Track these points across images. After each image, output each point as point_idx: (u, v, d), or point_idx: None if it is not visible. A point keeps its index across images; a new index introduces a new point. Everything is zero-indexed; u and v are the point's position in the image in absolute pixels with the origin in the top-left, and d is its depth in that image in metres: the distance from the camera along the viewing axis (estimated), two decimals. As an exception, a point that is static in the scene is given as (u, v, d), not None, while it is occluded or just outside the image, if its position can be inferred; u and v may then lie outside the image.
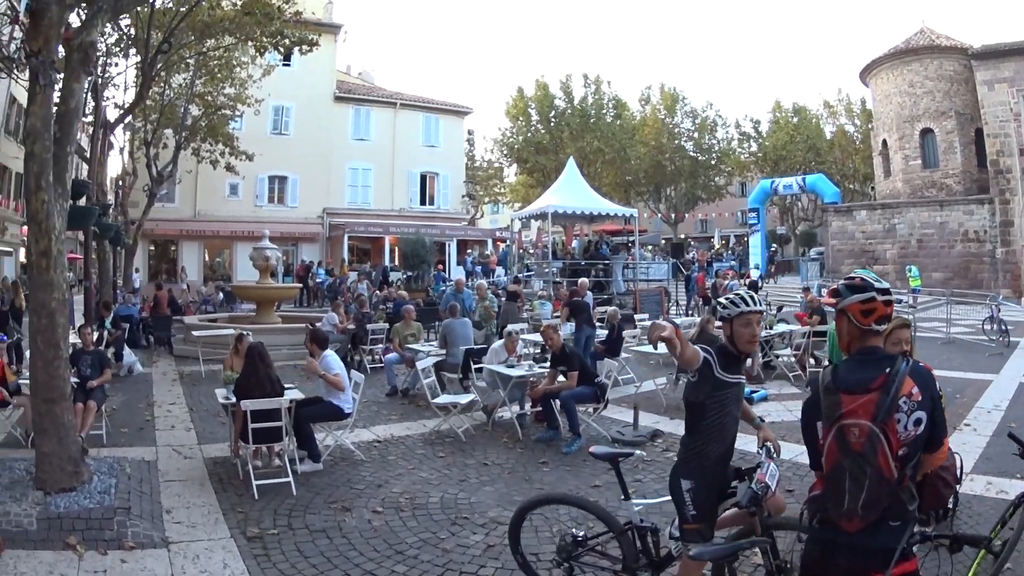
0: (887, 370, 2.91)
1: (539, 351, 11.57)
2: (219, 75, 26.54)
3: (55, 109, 6.94)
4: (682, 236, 64.30)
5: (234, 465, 7.83)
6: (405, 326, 13.65)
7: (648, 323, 18.34)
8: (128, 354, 14.94)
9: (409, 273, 31.80)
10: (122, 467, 7.20)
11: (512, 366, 10.04)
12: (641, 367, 13.87)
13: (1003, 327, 17.94)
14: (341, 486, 7.34)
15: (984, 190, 32.46)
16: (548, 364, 9.93)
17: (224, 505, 6.71)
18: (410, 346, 13.02)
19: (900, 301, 26.99)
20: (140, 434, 9.47)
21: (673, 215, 56.53)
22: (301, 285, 29.78)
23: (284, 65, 33.59)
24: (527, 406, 10.14)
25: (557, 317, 17.95)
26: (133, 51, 22.24)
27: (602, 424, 9.63)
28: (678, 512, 4.18)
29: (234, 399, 7.62)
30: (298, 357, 15.63)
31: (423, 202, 41.96)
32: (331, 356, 8.41)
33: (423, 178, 42.04)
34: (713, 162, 55.37)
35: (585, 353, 12.90)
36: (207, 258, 38.86)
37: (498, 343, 11.00)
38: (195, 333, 16.26)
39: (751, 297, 4.10)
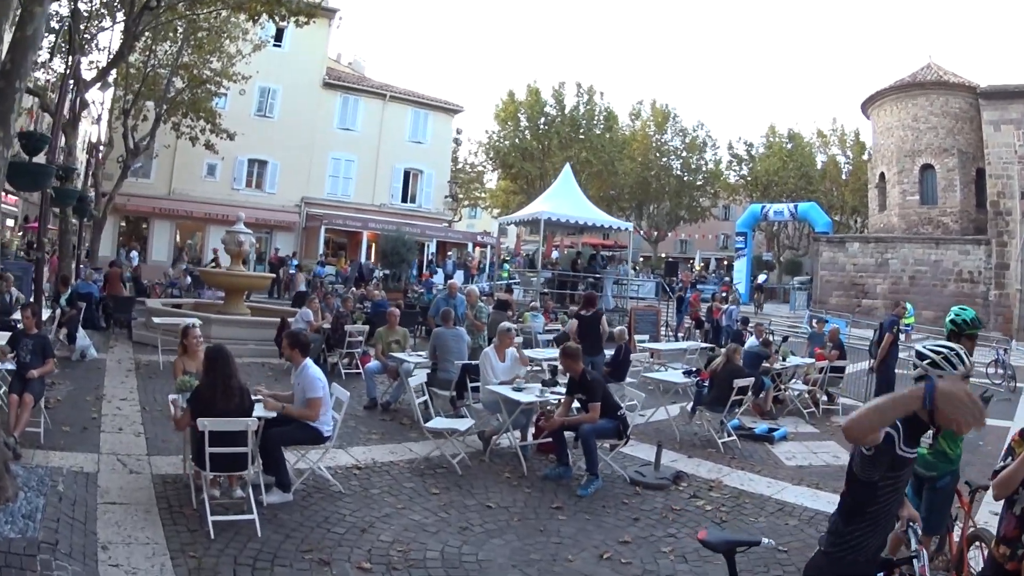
0: None
1: (549, 375, 10.17)
2: (207, 45, 25.44)
3: (8, 35, 5.65)
4: (663, 255, 64.37)
5: (187, 487, 6.44)
6: (389, 331, 12.10)
7: (648, 343, 17.23)
8: (82, 336, 13.38)
9: (387, 271, 30.68)
10: (55, 483, 5.91)
11: (520, 388, 8.69)
12: (641, 392, 12.74)
13: (1009, 371, 17.34)
14: (316, 527, 5.98)
15: (981, 231, 32.00)
16: (553, 387, 8.82)
17: (173, 545, 5.37)
18: (394, 354, 11.48)
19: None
20: (83, 436, 8.07)
21: (655, 233, 56.03)
22: (273, 275, 28.22)
23: (275, 45, 33.40)
24: (530, 435, 8.87)
25: (549, 331, 16.68)
26: (121, 15, 20.79)
27: (617, 461, 8.37)
28: None
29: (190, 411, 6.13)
30: (266, 354, 14.36)
31: (405, 199, 40.84)
32: (313, 368, 6.97)
33: (407, 174, 40.94)
34: (699, 183, 55.10)
35: None
36: (178, 239, 37.27)
37: (489, 348, 9.56)
38: (155, 320, 14.59)
39: (965, 355, 3.26)
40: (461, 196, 50.42)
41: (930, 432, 4.89)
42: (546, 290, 24.11)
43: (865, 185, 46.41)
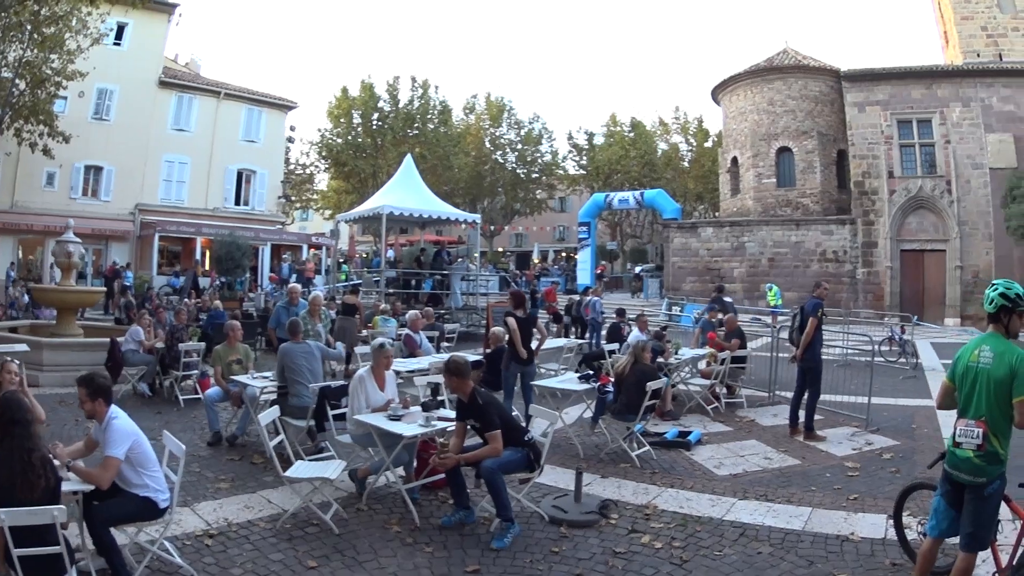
0: None
1: (429, 395, 8.50)
2: (48, 41, 23.95)
3: None
4: (499, 249, 64.80)
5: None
6: (228, 349, 10.20)
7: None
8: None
9: (222, 279, 29.25)
10: None
11: (397, 416, 7.06)
12: (546, 408, 11.48)
13: (908, 348, 17.35)
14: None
15: (843, 211, 32.80)
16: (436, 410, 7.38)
17: None
18: (236, 377, 9.64)
19: (758, 320, 26.42)
20: None
21: (492, 227, 55.53)
22: (106, 289, 25.78)
23: (115, 44, 32.38)
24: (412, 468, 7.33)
25: (400, 333, 14.87)
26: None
27: (526, 493, 6.89)
28: None
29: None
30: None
31: (238, 202, 39.00)
32: (122, 420, 5.13)
33: (240, 175, 39.10)
34: (535, 175, 55.36)
35: (527, 395, 10.13)
36: (20, 255, 33.92)
37: (364, 371, 7.77)
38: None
39: None
40: (293, 198, 48.76)
41: (979, 431, 4.37)
42: (391, 290, 22.62)
43: (709, 172, 47.84)
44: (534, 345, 10.60)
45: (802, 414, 10.05)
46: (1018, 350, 4.38)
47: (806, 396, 10.08)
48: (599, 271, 44.61)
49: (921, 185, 30.19)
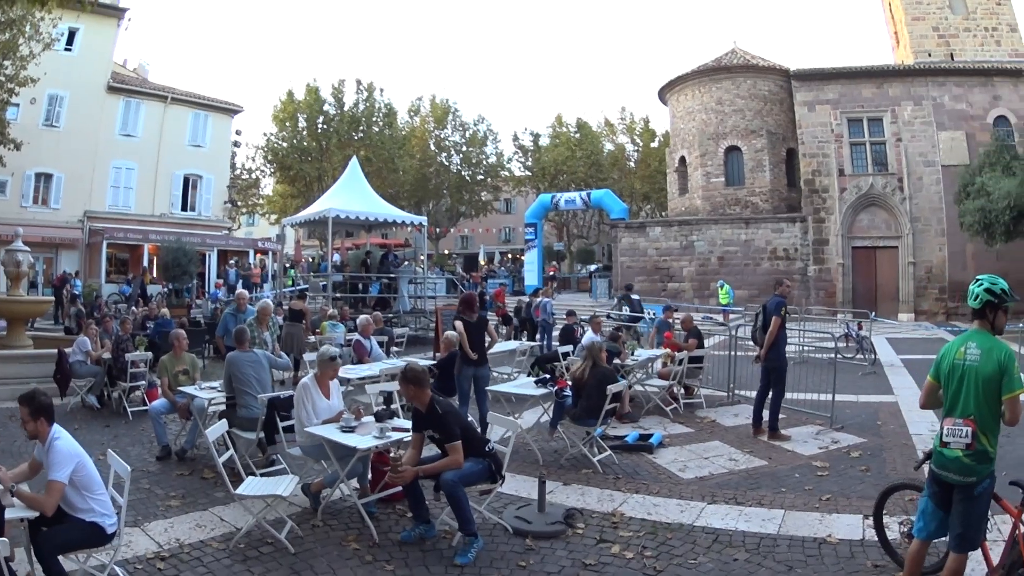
0: None
1: (383, 404, 8.09)
2: (2, 44, 23.99)
3: None
4: (445, 251, 64.77)
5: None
6: (174, 359, 9.73)
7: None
8: None
9: (170, 286, 28.89)
10: None
11: (350, 427, 6.69)
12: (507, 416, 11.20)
13: (866, 345, 17.23)
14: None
15: (793, 209, 33.14)
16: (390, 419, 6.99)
17: None
18: (183, 388, 9.20)
19: (710, 318, 26.43)
20: None
21: (437, 230, 55.50)
22: (54, 298, 25.54)
23: (66, 49, 32.42)
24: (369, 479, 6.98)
25: (350, 338, 14.33)
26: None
27: (488, 504, 6.58)
28: None
29: None
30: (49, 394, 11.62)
31: (184, 207, 38.65)
32: (64, 441, 4.77)
33: (186, 181, 38.78)
34: (480, 177, 55.39)
35: (481, 400, 9.78)
36: None
37: (308, 379, 7.37)
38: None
39: None
40: (240, 202, 48.49)
41: (968, 430, 4.29)
42: (338, 295, 22.17)
43: (655, 172, 48.24)
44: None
45: (766, 414, 9.89)
46: (1005, 346, 4.30)
47: (770, 395, 9.92)
48: (551, 272, 44.69)
49: (872, 183, 30.65)
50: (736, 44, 37.46)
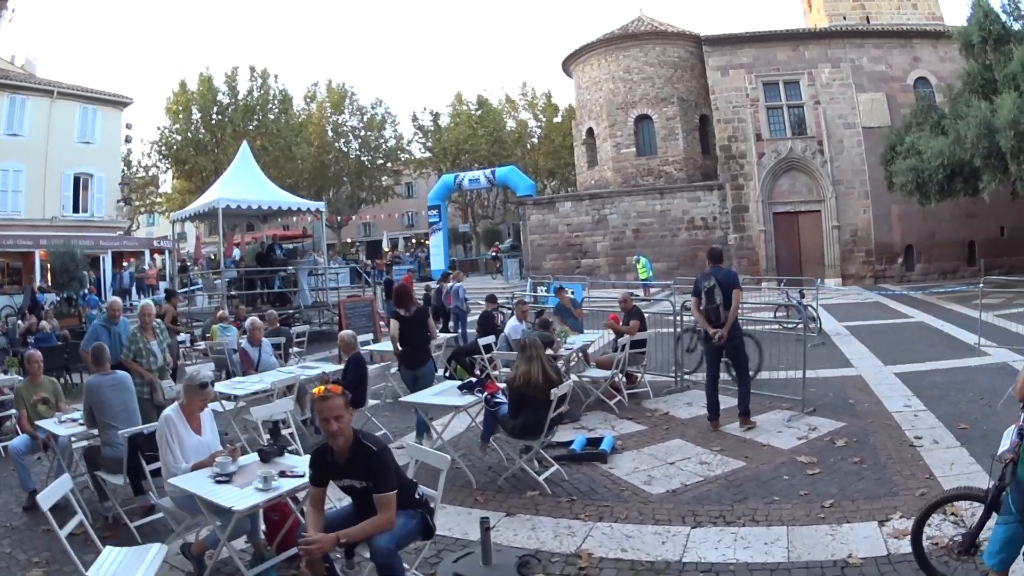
0: None
1: (268, 437, 6.49)
2: None
3: None
4: (347, 240, 64.90)
5: None
6: (31, 386, 8.05)
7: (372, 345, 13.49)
8: None
9: (65, 294, 27.25)
10: None
11: (226, 475, 5.13)
12: (386, 415, 9.78)
13: (811, 314, 16.08)
14: None
15: (708, 176, 32.81)
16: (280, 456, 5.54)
17: None
18: (42, 423, 7.49)
19: (633, 294, 25.47)
20: None
21: (338, 218, 54.87)
22: None
23: None
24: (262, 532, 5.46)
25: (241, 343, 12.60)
26: None
27: (412, 556, 5.10)
28: None
29: None
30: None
31: (76, 209, 36.66)
32: None
33: (77, 180, 36.76)
34: (380, 161, 55.30)
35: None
36: None
37: (171, 411, 5.76)
38: None
39: None
40: (137, 202, 47.45)
41: None
42: (233, 292, 20.58)
43: (560, 147, 48.57)
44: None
45: (725, 400, 8.79)
46: None
47: (728, 377, 8.96)
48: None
49: (791, 147, 30.47)
50: (642, 12, 37.16)
